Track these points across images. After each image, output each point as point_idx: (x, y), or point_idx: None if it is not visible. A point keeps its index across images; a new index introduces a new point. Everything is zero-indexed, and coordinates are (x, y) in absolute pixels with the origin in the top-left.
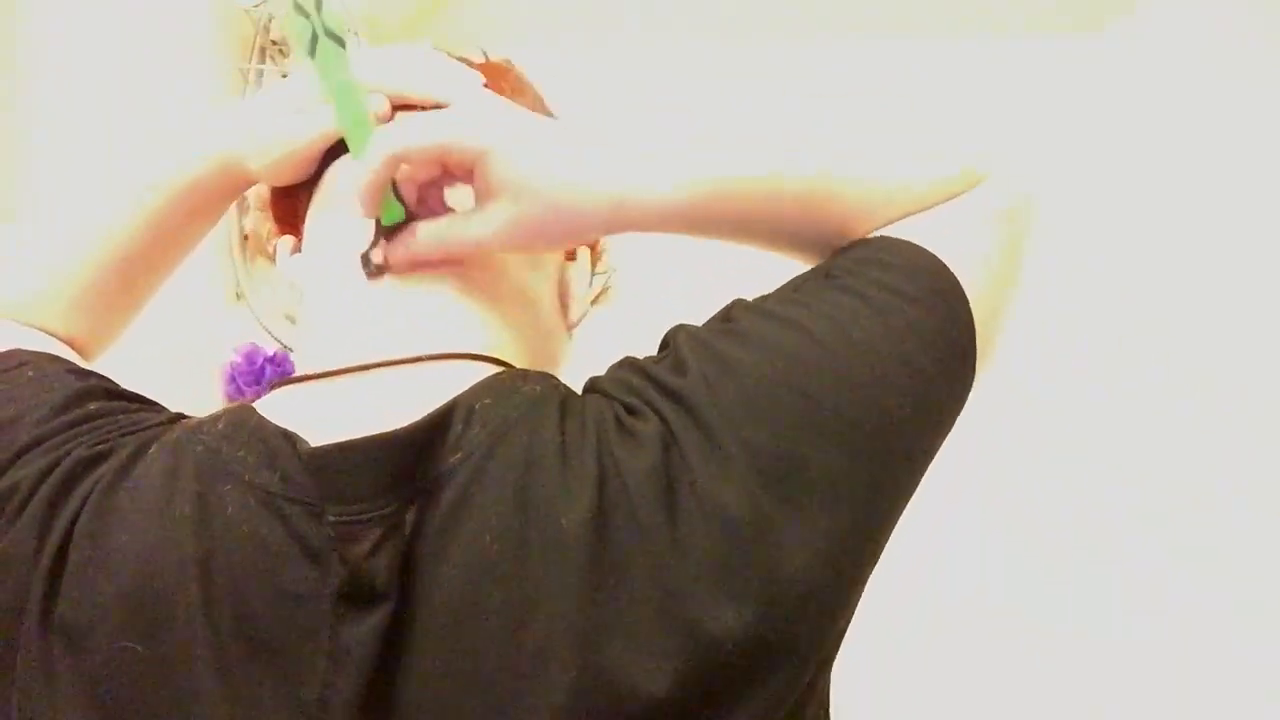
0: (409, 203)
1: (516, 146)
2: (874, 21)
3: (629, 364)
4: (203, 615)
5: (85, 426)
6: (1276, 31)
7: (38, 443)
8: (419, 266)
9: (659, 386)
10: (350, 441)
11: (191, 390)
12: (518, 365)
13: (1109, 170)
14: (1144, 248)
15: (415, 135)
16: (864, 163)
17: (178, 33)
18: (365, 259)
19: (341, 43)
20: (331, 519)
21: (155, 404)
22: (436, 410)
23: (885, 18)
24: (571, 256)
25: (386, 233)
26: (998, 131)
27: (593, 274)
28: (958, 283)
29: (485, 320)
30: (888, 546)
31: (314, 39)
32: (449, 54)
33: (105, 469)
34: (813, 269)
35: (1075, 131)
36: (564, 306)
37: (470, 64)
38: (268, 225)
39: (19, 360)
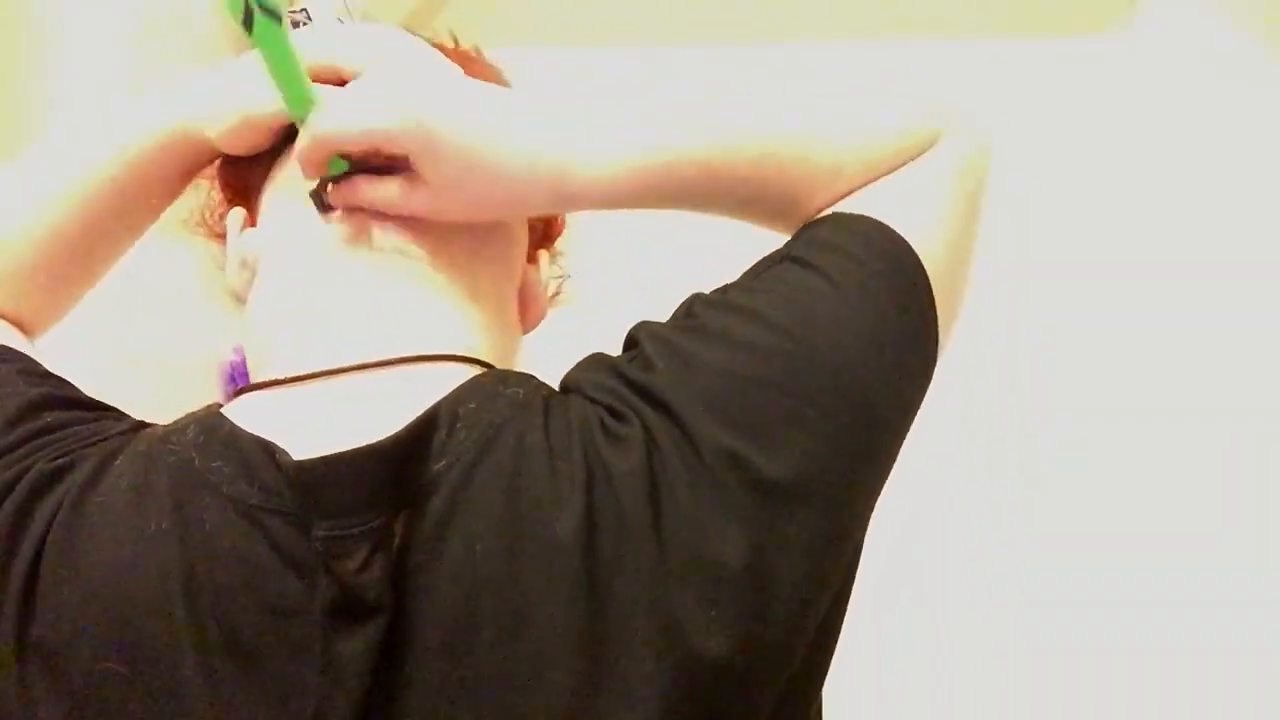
0: (354, 155)
1: (446, 133)
2: (873, 23)
3: (602, 363)
4: (189, 632)
5: (44, 439)
6: (1276, 32)
7: None
8: (373, 252)
9: (634, 387)
10: (334, 455)
11: (191, 390)
12: (491, 364)
13: (1109, 170)
14: (1145, 247)
15: (345, 123)
16: (820, 130)
17: (178, 31)
18: (316, 196)
19: (277, 18)
20: (320, 534)
21: (114, 410)
22: (419, 417)
23: (884, 19)
24: (533, 259)
25: (332, 179)
26: (998, 132)
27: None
28: (917, 257)
29: (457, 319)
30: (890, 553)
31: (249, 14)
32: (425, 39)
33: (70, 483)
34: (771, 253)
35: (1076, 132)
36: (524, 308)
37: (444, 50)
38: (214, 195)
39: None
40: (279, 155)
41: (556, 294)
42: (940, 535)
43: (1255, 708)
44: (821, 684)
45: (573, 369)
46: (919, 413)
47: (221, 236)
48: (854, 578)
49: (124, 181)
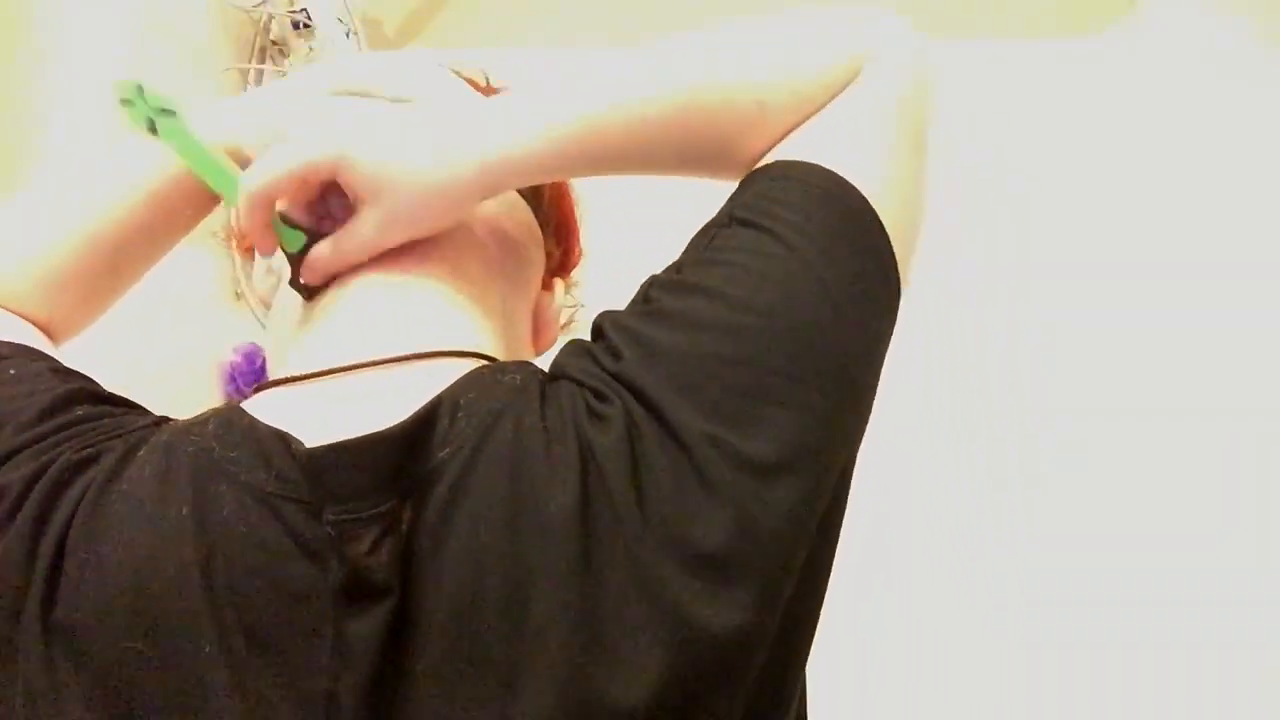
0: (307, 225)
1: (363, 148)
2: None
3: (581, 348)
4: (208, 615)
5: (72, 430)
6: (1276, 32)
7: (24, 447)
8: (337, 279)
9: (609, 373)
10: (344, 442)
11: (191, 390)
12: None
13: (1109, 170)
14: (1144, 247)
15: (268, 170)
16: (737, 72)
17: (178, 33)
18: (295, 285)
19: (173, 113)
20: (331, 518)
21: (138, 406)
22: (423, 407)
23: None
24: (548, 286)
25: (300, 257)
26: (996, 134)
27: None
28: (864, 198)
29: (466, 324)
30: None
31: (150, 122)
32: (455, 72)
33: (95, 472)
34: (717, 215)
35: (1076, 132)
36: (536, 332)
37: (475, 86)
38: None
39: None
40: None
41: (569, 323)
42: (939, 535)
43: (1251, 705)
44: (803, 656)
45: (558, 355)
46: (918, 412)
47: (251, 251)
48: (838, 531)
49: (162, 196)
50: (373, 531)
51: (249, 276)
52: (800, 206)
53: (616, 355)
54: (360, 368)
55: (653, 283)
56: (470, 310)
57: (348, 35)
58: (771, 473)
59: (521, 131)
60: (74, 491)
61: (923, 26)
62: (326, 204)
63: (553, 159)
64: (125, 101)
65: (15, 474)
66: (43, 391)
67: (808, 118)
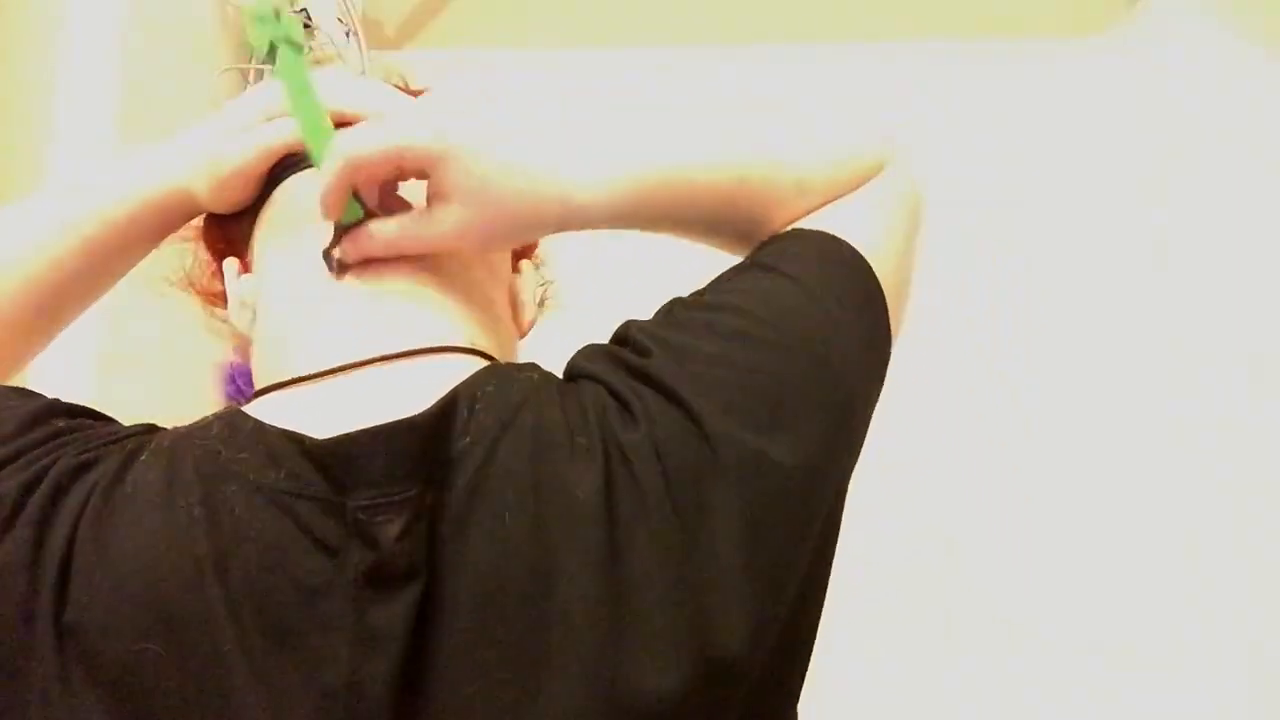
0: (369, 202)
1: (469, 150)
2: (873, 24)
3: (599, 351)
4: (226, 613)
5: (62, 439)
6: (1276, 32)
7: (11, 459)
8: (374, 263)
9: (634, 372)
10: (372, 427)
11: (191, 390)
12: (494, 357)
13: (1109, 171)
14: (1144, 248)
15: (371, 140)
16: (788, 155)
17: (178, 33)
18: (327, 256)
19: (299, 49)
20: (362, 503)
21: (114, 420)
22: (443, 398)
23: (884, 20)
24: (516, 269)
25: (345, 231)
26: (996, 134)
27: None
28: (869, 265)
29: (459, 320)
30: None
31: (273, 47)
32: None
33: (97, 475)
34: (738, 263)
35: (1075, 132)
36: (515, 313)
37: (405, 90)
38: (201, 257)
39: None
40: (264, 203)
41: (543, 300)
42: (937, 535)
43: (1246, 707)
44: (796, 689)
45: (574, 357)
46: (919, 418)
47: (209, 295)
48: (831, 559)
49: (103, 244)
50: (404, 515)
51: (223, 319)
52: (814, 260)
53: (644, 353)
54: (363, 365)
55: (676, 302)
56: (458, 304)
57: (348, 36)
58: (786, 477)
59: (602, 176)
60: (76, 496)
61: (924, 26)
62: (387, 187)
63: (622, 207)
64: (260, 18)
65: (8, 483)
66: (14, 408)
67: (831, 201)
